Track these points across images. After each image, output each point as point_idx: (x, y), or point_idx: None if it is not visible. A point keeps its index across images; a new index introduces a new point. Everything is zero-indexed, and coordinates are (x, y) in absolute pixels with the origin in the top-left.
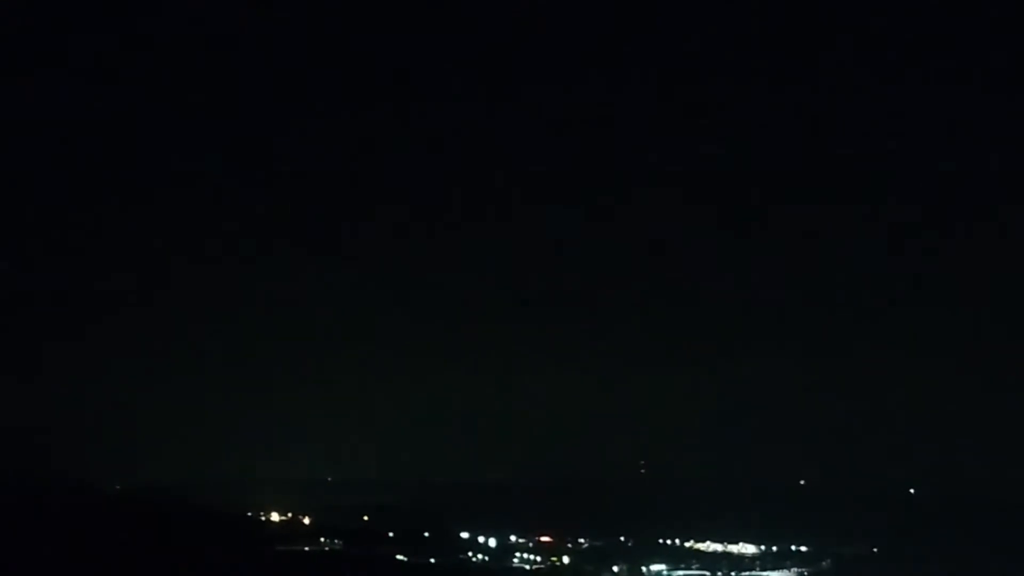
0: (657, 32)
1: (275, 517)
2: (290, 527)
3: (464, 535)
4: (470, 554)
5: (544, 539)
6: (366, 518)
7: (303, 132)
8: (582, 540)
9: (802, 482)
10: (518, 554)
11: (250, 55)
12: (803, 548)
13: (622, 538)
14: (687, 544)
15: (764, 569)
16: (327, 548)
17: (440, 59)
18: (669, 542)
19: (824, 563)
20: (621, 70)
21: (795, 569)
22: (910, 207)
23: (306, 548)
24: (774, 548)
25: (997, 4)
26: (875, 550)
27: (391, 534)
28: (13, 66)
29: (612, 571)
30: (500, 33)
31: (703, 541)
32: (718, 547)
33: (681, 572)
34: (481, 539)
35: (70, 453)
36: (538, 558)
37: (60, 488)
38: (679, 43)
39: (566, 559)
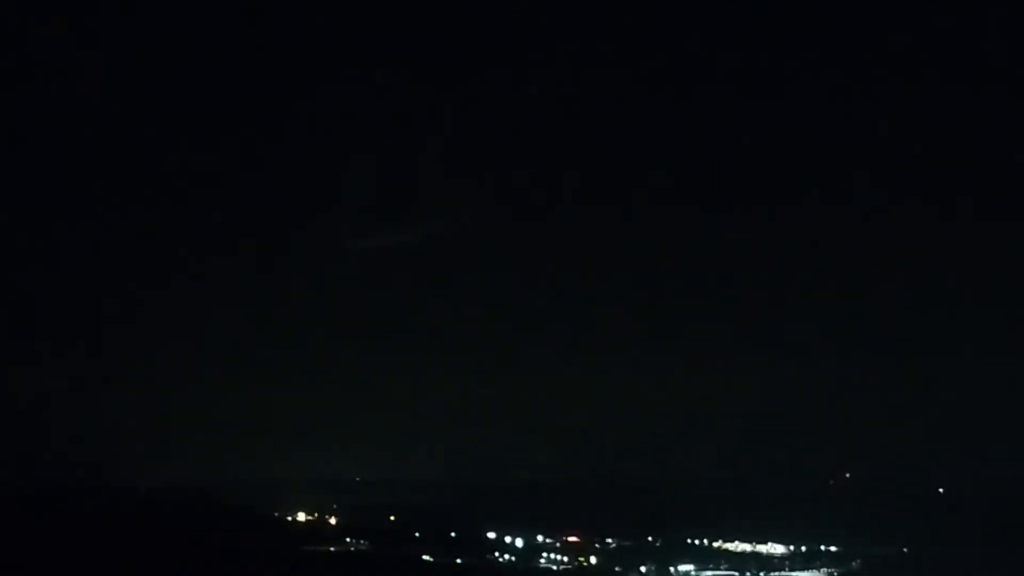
0: (657, 32)
1: (302, 517)
2: (317, 527)
3: (491, 535)
4: (497, 554)
5: (571, 539)
6: (393, 518)
7: (305, 130)
8: (609, 540)
9: (831, 482)
10: (545, 554)
11: (249, 53)
12: (832, 548)
13: (650, 538)
14: (715, 544)
15: (793, 569)
16: (353, 548)
17: (438, 57)
18: (697, 542)
19: (854, 563)
20: (619, 67)
21: (824, 569)
22: (932, 204)
23: (332, 548)
24: (803, 548)
25: (998, 4)
26: (905, 550)
27: (417, 534)
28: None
29: (640, 571)
30: (498, 31)
31: (731, 541)
32: (746, 547)
33: (709, 572)
34: (508, 539)
35: (99, 454)
36: (565, 558)
37: (88, 489)
38: (679, 42)
39: (593, 559)
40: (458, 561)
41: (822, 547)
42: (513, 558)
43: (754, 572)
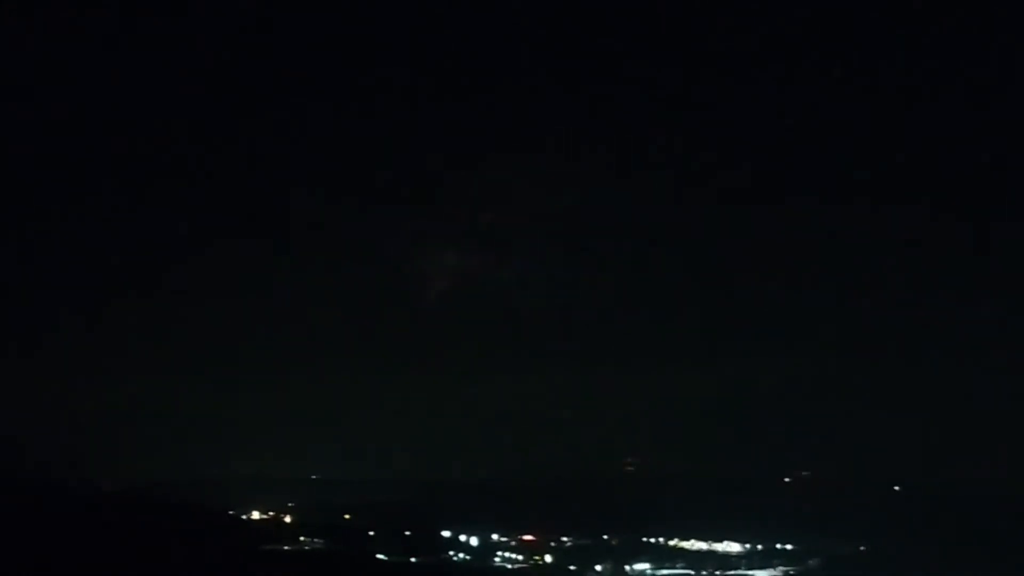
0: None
1: (256, 516)
2: (271, 526)
3: (446, 534)
4: (452, 553)
5: (527, 538)
6: (348, 516)
7: (300, 129)
8: (565, 539)
9: (788, 480)
10: (500, 553)
11: (247, 51)
12: (789, 546)
13: (606, 536)
14: (672, 542)
15: (750, 568)
16: (308, 547)
17: (433, 56)
18: (653, 540)
19: (811, 562)
20: (614, 65)
21: (781, 568)
22: (905, 204)
23: (286, 547)
24: (760, 546)
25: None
26: (862, 548)
27: (372, 533)
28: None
29: (596, 570)
30: (495, 29)
31: (688, 539)
32: (703, 545)
33: (666, 571)
34: (463, 538)
35: (55, 452)
36: (520, 557)
37: (46, 488)
38: (678, 37)
39: (549, 558)
40: (412, 560)
41: (779, 545)
42: (468, 557)
43: (711, 571)
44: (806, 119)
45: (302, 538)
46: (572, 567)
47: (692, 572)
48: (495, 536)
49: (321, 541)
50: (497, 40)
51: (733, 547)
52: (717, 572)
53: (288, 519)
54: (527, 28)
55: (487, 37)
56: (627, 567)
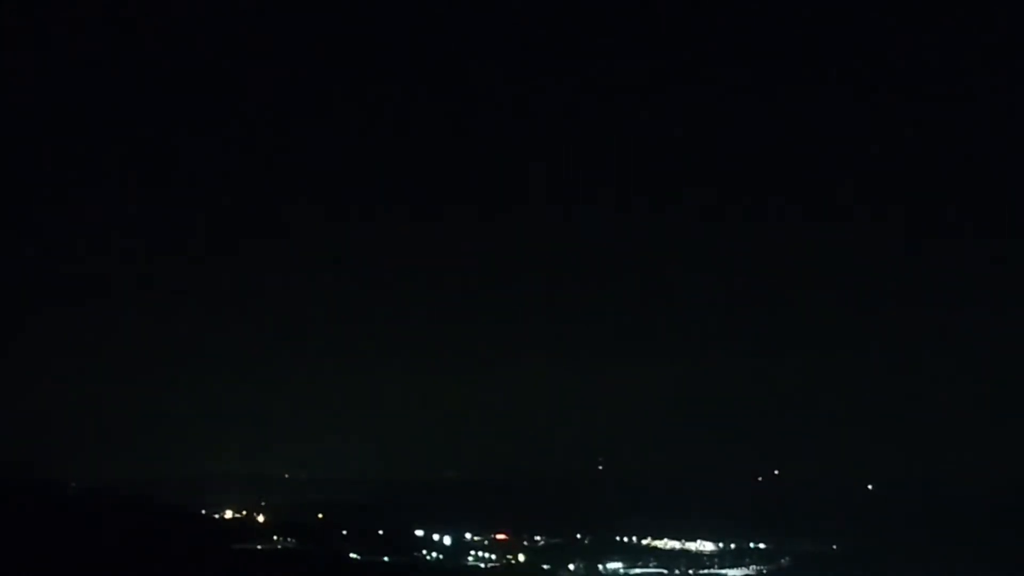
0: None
1: (229, 515)
2: (245, 525)
3: (419, 533)
4: (425, 552)
5: (500, 537)
6: (321, 516)
7: (300, 131)
8: (538, 538)
9: (760, 479)
10: (473, 552)
11: (250, 53)
12: (761, 545)
13: (579, 536)
14: (644, 541)
15: (722, 567)
16: (280, 546)
17: (428, 62)
18: (626, 539)
19: (783, 560)
20: (609, 68)
21: (754, 567)
22: (867, 207)
23: (259, 546)
24: (732, 545)
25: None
26: (834, 547)
27: (345, 532)
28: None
29: (568, 569)
30: (491, 34)
31: (661, 538)
32: (676, 544)
33: (638, 570)
34: (436, 537)
35: (27, 451)
36: (493, 556)
37: (17, 486)
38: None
39: (522, 557)
40: (385, 559)
41: (751, 544)
42: (441, 556)
43: (683, 570)
44: (802, 124)
45: (275, 537)
46: (545, 566)
47: (665, 571)
48: (468, 535)
49: (294, 540)
50: (495, 40)
51: (706, 546)
52: (690, 571)
53: (261, 518)
54: (525, 29)
55: (485, 38)
56: (600, 566)
